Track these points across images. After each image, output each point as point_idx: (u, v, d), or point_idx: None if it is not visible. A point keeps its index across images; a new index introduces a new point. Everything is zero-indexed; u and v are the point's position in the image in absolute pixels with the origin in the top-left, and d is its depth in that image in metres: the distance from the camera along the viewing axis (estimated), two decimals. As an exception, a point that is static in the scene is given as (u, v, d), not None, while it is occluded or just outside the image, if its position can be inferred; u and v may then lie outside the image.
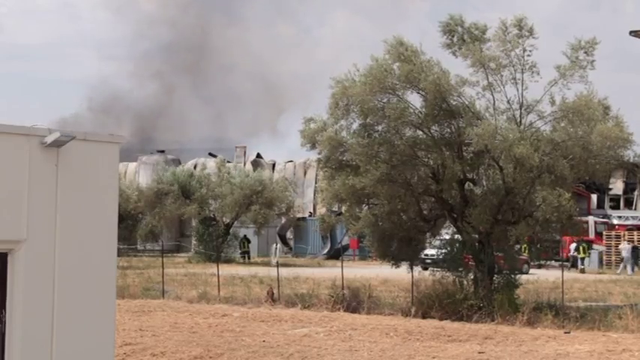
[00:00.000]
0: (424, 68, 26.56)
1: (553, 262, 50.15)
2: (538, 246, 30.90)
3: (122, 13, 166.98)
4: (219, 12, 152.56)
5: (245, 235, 61.87)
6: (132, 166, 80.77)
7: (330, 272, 38.26)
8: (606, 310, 28.80)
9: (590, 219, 62.62)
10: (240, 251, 61.05)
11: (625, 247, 53.14)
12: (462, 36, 27.39)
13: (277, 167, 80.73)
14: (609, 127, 26.10)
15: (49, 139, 11.10)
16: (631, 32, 30.67)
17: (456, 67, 27.57)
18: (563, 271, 34.06)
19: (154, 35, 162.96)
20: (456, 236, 29.34)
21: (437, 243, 31.78)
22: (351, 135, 27.50)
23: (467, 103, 27.22)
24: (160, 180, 62.47)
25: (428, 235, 30.58)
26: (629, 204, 75.48)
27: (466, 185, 28.16)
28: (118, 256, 14.18)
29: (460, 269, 28.34)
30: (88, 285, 11.63)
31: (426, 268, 31.16)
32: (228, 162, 69.30)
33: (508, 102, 27.25)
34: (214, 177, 61.51)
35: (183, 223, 68.72)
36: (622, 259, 53.22)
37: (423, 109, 27.18)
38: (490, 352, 20.78)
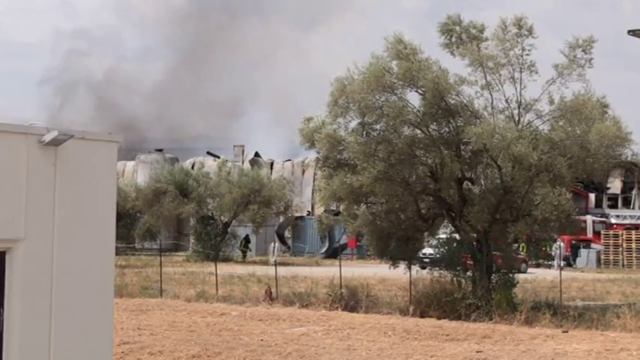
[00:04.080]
0: (423, 67, 26.56)
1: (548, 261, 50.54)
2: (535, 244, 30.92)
3: (120, 12, 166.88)
4: (217, 11, 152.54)
5: (247, 235, 61.88)
6: (130, 164, 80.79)
7: (328, 271, 38.25)
8: (604, 309, 28.81)
9: (589, 218, 62.68)
10: (239, 248, 60.99)
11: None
12: (459, 35, 27.40)
13: (275, 166, 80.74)
14: (607, 125, 26.11)
15: (47, 137, 11.09)
16: (629, 31, 30.69)
17: (455, 66, 27.63)
18: (561, 270, 34.12)
19: (151, 34, 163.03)
20: (454, 235, 29.35)
21: (435, 242, 31.76)
22: (349, 133, 27.49)
23: (465, 102, 27.23)
24: (158, 179, 62.46)
25: (426, 234, 30.57)
26: (627, 203, 75.52)
27: (464, 184, 28.16)
28: (116, 254, 14.18)
29: (458, 268, 28.34)
30: (86, 284, 11.62)
31: (424, 267, 31.15)
32: (227, 161, 69.29)
33: (506, 101, 27.28)
34: (213, 176, 61.52)
35: (181, 221, 68.70)
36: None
37: (422, 108, 27.18)
38: (488, 351, 20.77)
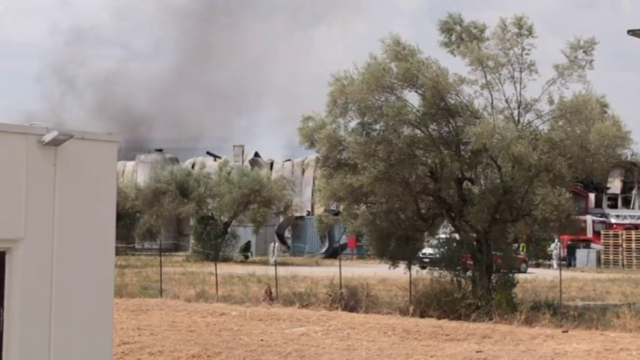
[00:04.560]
0: (421, 67, 26.56)
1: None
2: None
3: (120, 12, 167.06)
4: (218, 10, 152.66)
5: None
6: (130, 164, 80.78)
7: (328, 271, 38.26)
8: (604, 309, 28.82)
9: (588, 218, 62.65)
10: (240, 253, 60.87)
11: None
12: (460, 34, 27.40)
13: (275, 166, 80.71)
14: (607, 125, 26.10)
15: (47, 137, 11.09)
16: (629, 31, 30.66)
17: (455, 66, 27.62)
18: (560, 270, 34.11)
19: (151, 34, 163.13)
20: (454, 235, 29.34)
21: (435, 242, 31.77)
22: (349, 133, 27.50)
23: (465, 101, 27.23)
24: (158, 179, 62.45)
25: (426, 234, 30.57)
26: (627, 203, 75.49)
27: (464, 184, 28.16)
28: (116, 254, 14.17)
29: (458, 268, 28.34)
30: (86, 284, 11.62)
31: (424, 267, 31.16)
32: (228, 162, 69.34)
33: (506, 101, 27.28)
34: (214, 176, 61.53)
35: (181, 221, 68.73)
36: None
37: (422, 108, 27.19)
38: (488, 351, 20.77)
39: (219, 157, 76.07)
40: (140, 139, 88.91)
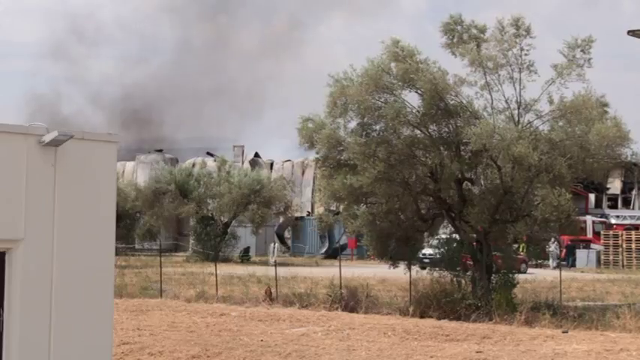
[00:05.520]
0: (420, 68, 26.56)
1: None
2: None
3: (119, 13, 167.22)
4: (214, 8, 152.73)
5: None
6: (130, 165, 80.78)
7: (327, 271, 38.25)
8: (604, 309, 28.81)
9: (588, 218, 62.68)
10: (240, 257, 60.84)
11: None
12: (461, 35, 27.40)
13: (275, 166, 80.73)
14: (607, 126, 26.11)
15: (47, 138, 11.09)
16: (629, 32, 30.65)
17: (456, 66, 27.63)
18: (560, 271, 34.10)
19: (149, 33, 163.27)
20: (454, 236, 29.35)
21: (435, 242, 31.76)
22: (348, 134, 27.51)
23: (465, 102, 27.24)
24: (158, 179, 62.47)
25: (426, 234, 30.58)
26: (627, 203, 75.55)
27: (464, 185, 28.16)
28: (116, 255, 14.18)
29: (458, 269, 28.34)
30: (86, 284, 11.63)
31: (424, 268, 31.15)
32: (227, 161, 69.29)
33: (506, 101, 27.29)
34: (215, 175, 61.55)
35: (181, 222, 68.70)
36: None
37: (421, 109, 27.20)
38: (488, 351, 20.77)
39: (219, 157, 76.09)
40: (140, 138, 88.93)
